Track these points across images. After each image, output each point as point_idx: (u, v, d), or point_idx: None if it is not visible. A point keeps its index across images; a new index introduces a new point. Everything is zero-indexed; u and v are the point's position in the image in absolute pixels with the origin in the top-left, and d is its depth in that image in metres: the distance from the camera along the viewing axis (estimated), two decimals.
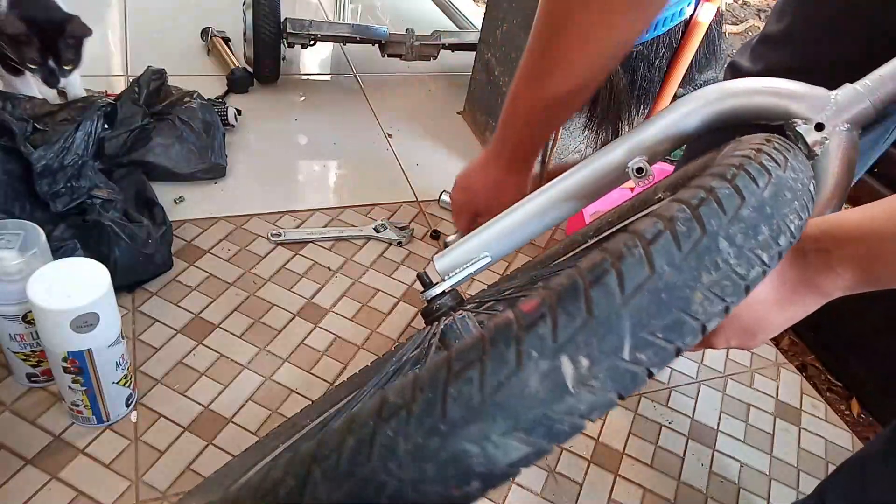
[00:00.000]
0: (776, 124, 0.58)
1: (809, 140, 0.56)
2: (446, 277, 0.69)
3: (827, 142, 0.56)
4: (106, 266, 0.89)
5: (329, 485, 0.41)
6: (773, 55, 0.92)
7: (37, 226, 0.93)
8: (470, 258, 0.69)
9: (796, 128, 0.56)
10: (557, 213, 0.68)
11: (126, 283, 1.18)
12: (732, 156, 0.48)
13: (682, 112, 0.61)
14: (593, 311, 0.40)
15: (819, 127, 0.56)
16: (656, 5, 0.75)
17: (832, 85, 0.86)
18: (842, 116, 0.56)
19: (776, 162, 0.47)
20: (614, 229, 0.78)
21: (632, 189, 0.77)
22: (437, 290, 0.69)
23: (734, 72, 0.98)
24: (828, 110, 0.56)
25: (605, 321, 0.40)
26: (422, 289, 0.72)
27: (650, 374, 0.41)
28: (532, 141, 0.90)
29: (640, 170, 0.61)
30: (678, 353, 0.42)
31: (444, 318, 0.70)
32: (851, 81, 0.82)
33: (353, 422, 0.43)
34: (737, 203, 0.44)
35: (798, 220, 0.46)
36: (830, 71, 0.84)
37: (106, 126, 1.30)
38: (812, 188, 0.49)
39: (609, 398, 0.40)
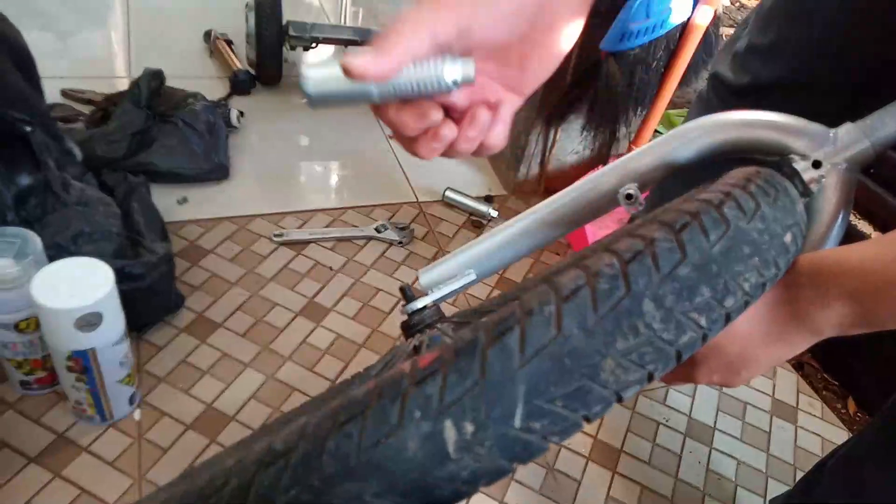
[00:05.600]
0: (773, 159, 0.57)
1: (806, 177, 0.54)
2: (429, 292, 0.68)
3: (824, 180, 0.54)
4: None
5: None
6: (760, 68, 0.90)
7: (34, 233, 0.93)
8: (455, 274, 0.68)
9: (793, 164, 0.54)
10: (545, 236, 0.67)
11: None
12: (696, 198, 0.45)
13: (677, 141, 0.60)
14: (486, 372, 0.37)
15: (816, 164, 0.54)
16: None
17: (821, 104, 0.84)
18: (840, 155, 0.54)
19: (742, 210, 0.43)
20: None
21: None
22: (418, 305, 0.68)
23: (717, 83, 0.97)
24: (826, 148, 0.54)
25: (498, 385, 0.36)
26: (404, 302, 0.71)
27: (553, 442, 0.38)
28: None
29: (629, 196, 0.60)
30: (587, 420, 0.38)
31: (422, 333, 0.68)
32: (842, 101, 0.78)
33: (240, 463, 0.41)
34: (675, 260, 0.40)
35: (757, 277, 0.42)
36: (820, 89, 0.84)
37: None
38: (790, 238, 0.45)
39: (498, 466, 0.37)
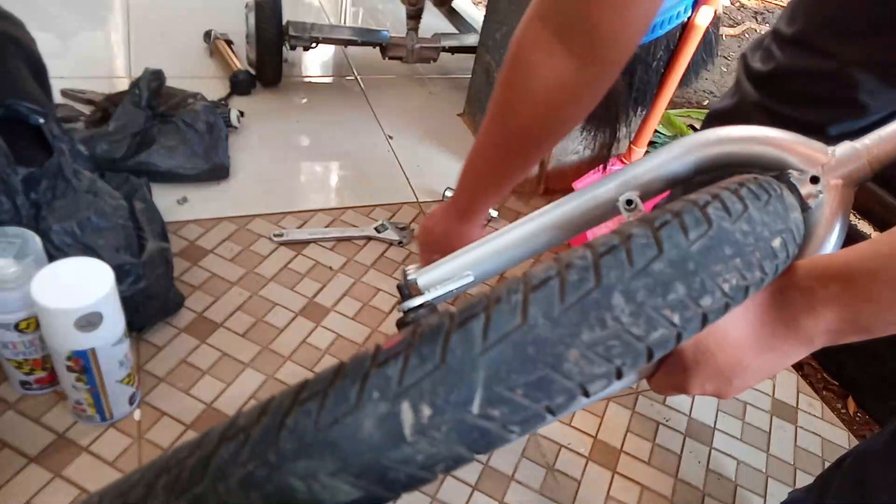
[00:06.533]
0: (772, 174, 0.57)
1: (804, 192, 0.54)
2: (426, 292, 0.68)
3: (821, 195, 0.54)
4: None
5: (168, 496, 0.40)
6: (783, 57, 0.93)
7: (34, 233, 0.93)
8: (453, 276, 0.69)
9: (791, 179, 0.54)
10: (544, 241, 0.68)
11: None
12: (684, 198, 0.45)
13: (676, 153, 0.60)
14: (447, 357, 0.37)
15: (814, 180, 0.54)
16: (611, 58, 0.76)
17: (842, 90, 0.86)
18: (837, 172, 0.55)
19: (727, 211, 0.43)
20: None
21: None
22: (414, 303, 0.67)
23: (747, 72, 1.00)
24: (824, 164, 0.55)
25: (458, 370, 0.36)
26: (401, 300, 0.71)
27: (514, 433, 0.37)
28: (480, 198, 0.95)
29: (629, 202, 0.60)
30: (551, 412, 0.38)
31: None
32: (864, 89, 0.82)
33: (205, 436, 0.41)
34: (650, 255, 0.39)
35: (739, 279, 0.42)
36: (840, 77, 0.87)
37: None
38: (779, 243, 0.45)
39: (455, 452, 0.36)
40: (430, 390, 0.36)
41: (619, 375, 0.39)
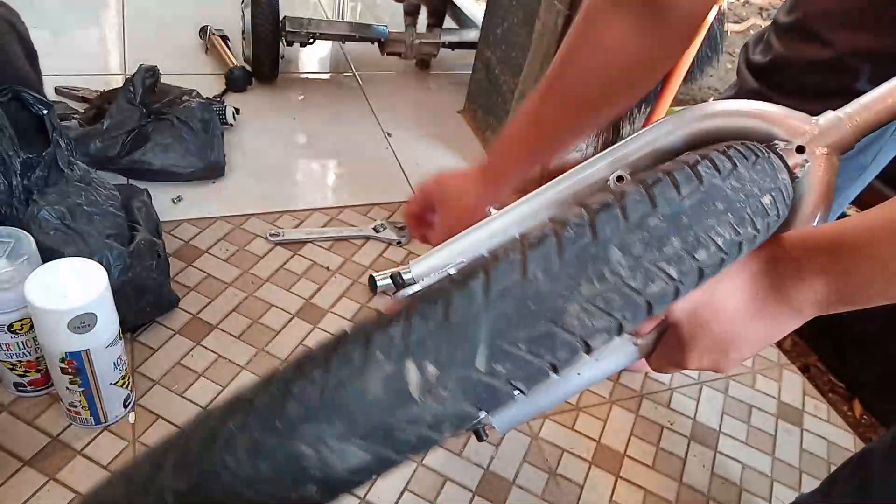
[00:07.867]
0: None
1: (791, 162, 0.55)
2: (420, 281, 0.68)
3: (807, 164, 0.55)
4: None
5: (176, 473, 0.41)
6: (781, 47, 0.93)
7: (28, 234, 0.92)
8: (446, 264, 0.68)
9: (778, 149, 0.55)
10: (538, 223, 0.68)
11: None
12: (675, 160, 0.46)
13: (664, 129, 0.61)
14: (450, 315, 0.37)
15: (800, 149, 0.55)
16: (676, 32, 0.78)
17: (840, 80, 0.86)
18: (822, 141, 0.56)
19: (717, 169, 0.44)
20: None
21: None
22: (407, 293, 0.67)
23: (748, 63, 1.00)
24: (809, 134, 0.56)
25: (461, 327, 0.37)
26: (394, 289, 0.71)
27: (520, 390, 0.38)
28: (517, 162, 0.96)
29: (620, 178, 0.61)
30: (555, 369, 0.38)
31: None
32: (862, 76, 0.83)
33: (209, 413, 0.42)
34: (644, 210, 0.40)
35: (732, 234, 0.43)
36: (837, 66, 0.86)
37: None
38: (769, 201, 0.47)
39: (462, 410, 0.37)
40: (435, 348, 0.37)
41: (621, 330, 0.40)
